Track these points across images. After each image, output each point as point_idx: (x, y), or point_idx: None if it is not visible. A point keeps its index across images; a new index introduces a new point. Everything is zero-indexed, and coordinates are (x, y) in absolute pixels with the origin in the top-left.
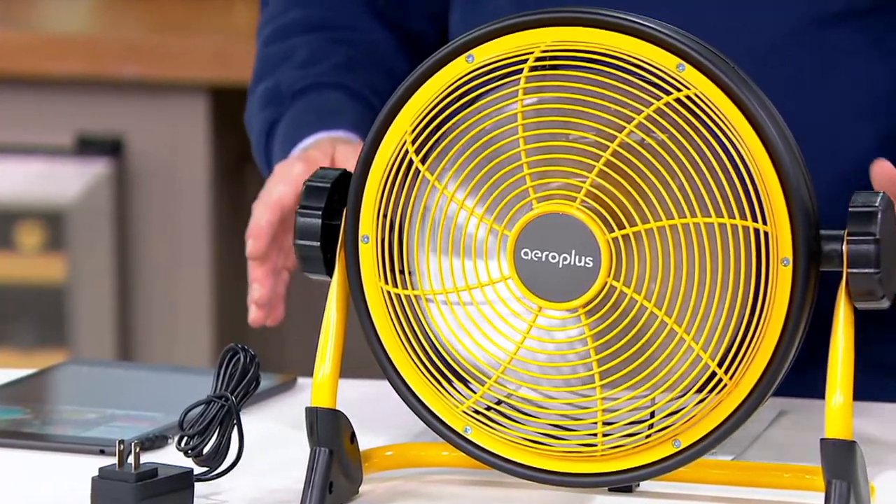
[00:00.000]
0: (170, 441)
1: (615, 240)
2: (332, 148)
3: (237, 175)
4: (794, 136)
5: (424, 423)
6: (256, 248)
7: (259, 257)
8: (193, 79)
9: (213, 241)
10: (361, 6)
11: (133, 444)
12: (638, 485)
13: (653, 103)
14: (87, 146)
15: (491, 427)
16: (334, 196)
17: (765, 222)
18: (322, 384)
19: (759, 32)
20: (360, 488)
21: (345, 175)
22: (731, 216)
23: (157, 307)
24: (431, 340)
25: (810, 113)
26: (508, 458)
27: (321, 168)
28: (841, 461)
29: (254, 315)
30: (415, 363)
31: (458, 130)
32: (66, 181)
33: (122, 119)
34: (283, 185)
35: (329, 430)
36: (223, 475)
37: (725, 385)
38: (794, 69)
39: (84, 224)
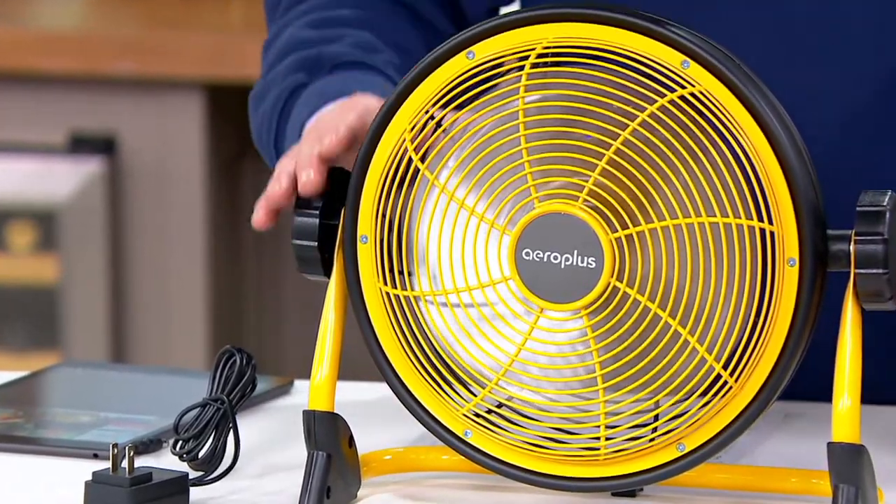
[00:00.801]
0: (165, 445)
1: (618, 240)
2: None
3: (233, 174)
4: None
5: (424, 426)
6: (334, 143)
7: (331, 157)
8: (188, 76)
9: (208, 240)
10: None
11: (127, 447)
12: (641, 489)
13: (657, 101)
14: (80, 144)
15: (492, 430)
16: (332, 195)
17: (771, 222)
18: (319, 387)
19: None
20: (358, 493)
21: (343, 173)
22: (737, 216)
23: (152, 308)
24: (431, 342)
25: None
26: (509, 462)
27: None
28: (848, 465)
29: (265, 213)
30: (414, 365)
31: (458, 128)
32: (58, 180)
33: (116, 117)
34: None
35: (327, 433)
36: (219, 480)
37: (731, 388)
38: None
39: (77, 223)
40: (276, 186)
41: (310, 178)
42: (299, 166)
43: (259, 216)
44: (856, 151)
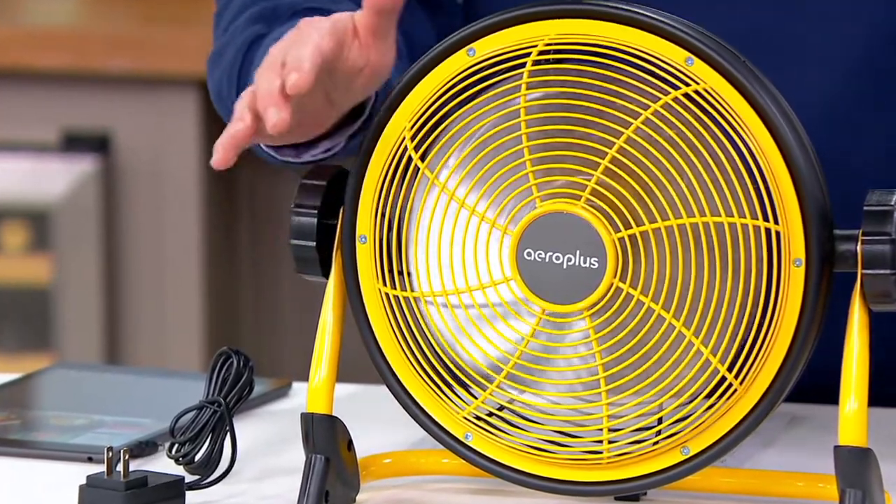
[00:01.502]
0: (160, 448)
1: (621, 240)
2: None
3: (229, 173)
4: None
5: (424, 429)
6: (304, 80)
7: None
8: (183, 72)
9: (203, 240)
10: None
11: (122, 451)
12: (645, 493)
13: (660, 98)
14: (73, 142)
15: (492, 433)
16: (331, 194)
17: (776, 222)
18: (318, 389)
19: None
20: (357, 497)
21: (342, 172)
22: (742, 215)
23: (146, 309)
24: (431, 344)
25: None
26: (511, 465)
27: (316, 167)
28: (855, 469)
29: (226, 150)
30: (414, 367)
31: (459, 126)
32: (51, 179)
33: (110, 114)
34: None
35: (325, 436)
36: (216, 484)
37: (736, 390)
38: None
39: (70, 223)
40: (240, 124)
41: (279, 117)
42: (262, 103)
43: (219, 155)
44: (832, 144)
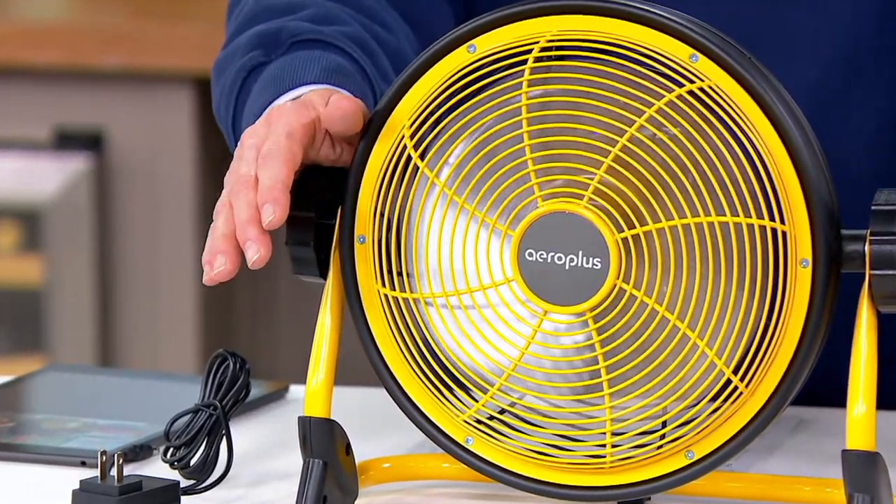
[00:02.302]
0: (155, 452)
1: (625, 240)
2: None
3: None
4: None
5: (423, 433)
6: (278, 218)
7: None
8: (178, 69)
9: (198, 240)
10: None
11: (116, 455)
12: (649, 498)
13: (664, 96)
14: (65, 140)
15: (494, 437)
16: (328, 193)
17: (783, 221)
18: (315, 392)
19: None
20: (355, 502)
21: (340, 171)
22: (748, 215)
23: (140, 310)
24: (431, 346)
25: None
26: (512, 470)
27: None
28: (863, 473)
29: (220, 270)
30: (413, 370)
31: (459, 124)
32: (43, 177)
33: (103, 112)
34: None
35: (323, 440)
36: (211, 488)
37: (741, 393)
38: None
39: (62, 223)
40: (223, 268)
41: (259, 255)
42: (241, 236)
43: (208, 279)
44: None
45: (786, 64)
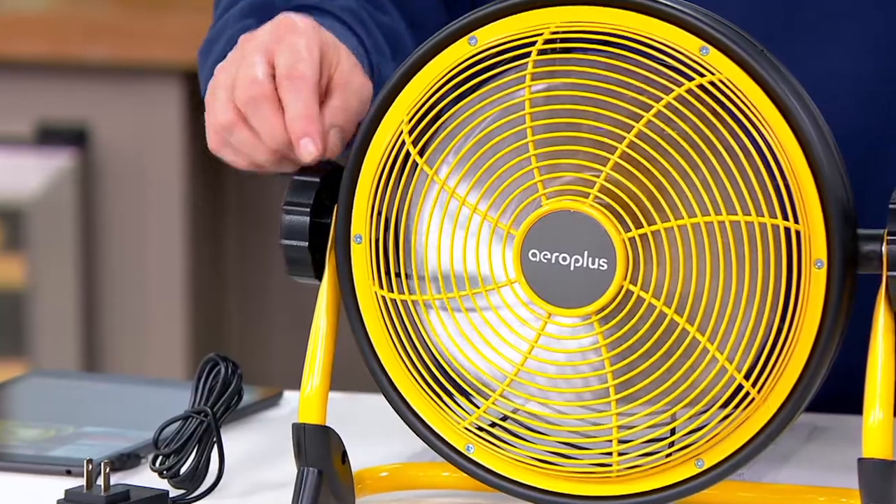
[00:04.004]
0: (143, 460)
1: (632, 240)
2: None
3: (215, 168)
4: None
5: (423, 440)
6: (319, 153)
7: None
8: (166, 61)
9: (188, 239)
10: None
11: (103, 463)
12: None
13: (674, 90)
14: (48, 136)
15: (496, 445)
16: (324, 191)
17: (797, 221)
18: (310, 398)
19: None
20: None
21: (336, 168)
22: (760, 214)
23: (127, 313)
24: (430, 350)
25: None
26: (515, 479)
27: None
28: (880, 483)
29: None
30: (412, 375)
31: (459, 120)
32: (25, 174)
33: (88, 106)
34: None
35: (318, 448)
36: (202, 498)
37: (753, 399)
38: None
39: (45, 222)
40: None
41: (318, 149)
42: (298, 131)
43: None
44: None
45: (825, 48)
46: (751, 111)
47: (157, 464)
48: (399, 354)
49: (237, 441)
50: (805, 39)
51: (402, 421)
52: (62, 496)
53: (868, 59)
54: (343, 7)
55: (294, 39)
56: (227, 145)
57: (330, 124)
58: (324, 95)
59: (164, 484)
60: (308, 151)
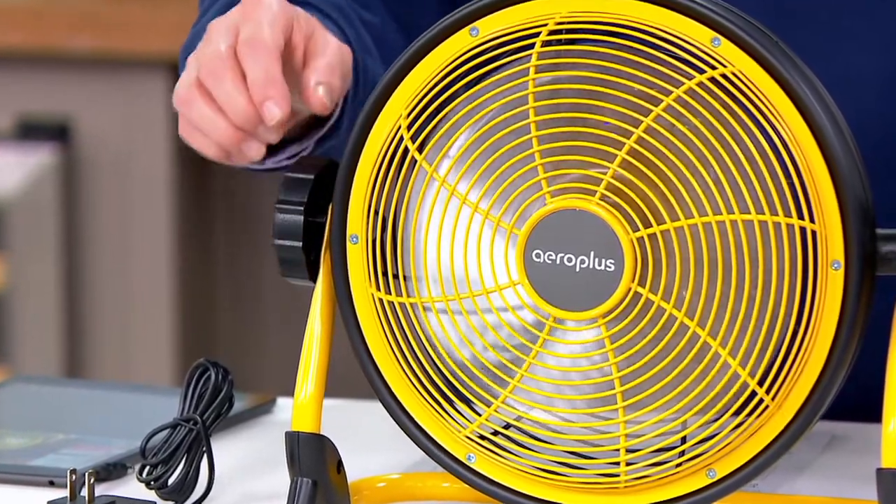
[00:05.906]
0: (130, 471)
1: (640, 240)
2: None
3: (203, 165)
4: None
5: (422, 449)
6: (285, 115)
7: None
8: (152, 53)
9: (175, 239)
10: None
11: (87, 474)
12: None
13: (684, 83)
14: (29, 131)
15: (498, 454)
16: (318, 189)
17: (812, 219)
18: (304, 405)
19: None
20: None
21: (331, 165)
22: (774, 213)
23: (112, 316)
24: (429, 355)
25: None
26: (518, 489)
27: (303, 158)
28: None
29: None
30: (411, 381)
31: (460, 114)
32: (5, 171)
33: (71, 99)
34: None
35: (312, 457)
36: None
37: (767, 406)
38: None
39: (26, 221)
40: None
41: (283, 111)
42: (259, 95)
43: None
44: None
45: (852, 42)
46: (764, 105)
47: (145, 474)
48: (397, 359)
49: (228, 450)
50: (817, 37)
51: (400, 429)
52: None
53: (885, 57)
54: (330, 3)
55: (259, 13)
56: (191, 126)
57: (316, 82)
58: (302, 62)
59: (151, 495)
60: (272, 114)
